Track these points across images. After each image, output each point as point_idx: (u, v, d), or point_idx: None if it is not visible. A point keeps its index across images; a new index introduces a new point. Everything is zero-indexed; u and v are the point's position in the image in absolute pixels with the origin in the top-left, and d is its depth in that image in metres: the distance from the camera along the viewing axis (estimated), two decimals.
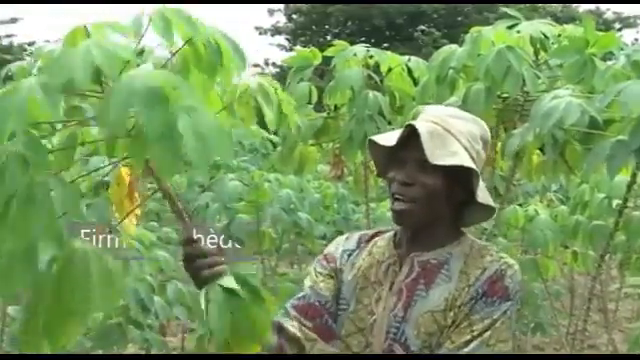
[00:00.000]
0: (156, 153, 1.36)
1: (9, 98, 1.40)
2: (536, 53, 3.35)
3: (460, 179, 1.94)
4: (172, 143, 1.34)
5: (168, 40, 1.53)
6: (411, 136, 1.93)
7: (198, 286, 1.69)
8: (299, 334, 1.98)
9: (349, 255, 2.12)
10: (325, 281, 2.08)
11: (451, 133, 1.95)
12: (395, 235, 2.09)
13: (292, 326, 1.99)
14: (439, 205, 1.96)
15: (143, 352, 4.83)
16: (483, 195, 1.96)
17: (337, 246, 2.16)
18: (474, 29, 3.36)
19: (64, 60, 1.42)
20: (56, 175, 1.46)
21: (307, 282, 2.12)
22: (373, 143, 2.02)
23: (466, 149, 1.95)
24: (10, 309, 4.30)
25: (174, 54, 1.62)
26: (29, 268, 1.41)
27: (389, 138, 1.99)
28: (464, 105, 3.16)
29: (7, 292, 1.54)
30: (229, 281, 1.65)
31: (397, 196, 1.96)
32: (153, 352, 4.80)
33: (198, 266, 1.69)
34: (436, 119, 1.98)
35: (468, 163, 1.92)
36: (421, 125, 1.94)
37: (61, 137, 1.72)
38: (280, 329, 1.96)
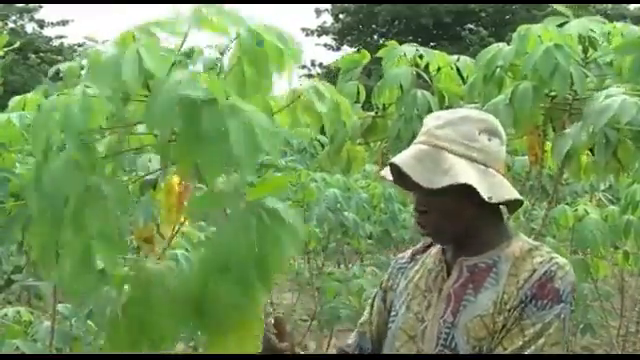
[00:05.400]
0: (205, 155, 1.35)
1: (61, 105, 1.42)
2: (585, 51, 3.30)
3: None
4: (221, 144, 1.34)
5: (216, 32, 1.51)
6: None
7: None
8: None
9: (403, 271, 2.12)
10: (377, 316, 2.16)
11: (441, 147, 1.87)
12: None
13: None
14: (465, 216, 1.91)
15: (190, 350, 4.87)
16: (496, 193, 1.85)
17: (391, 267, 2.18)
18: (522, 27, 3.31)
19: (113, 66, 1.42)
20: (109, 178, 1.48)
21: (364, 315, 2.22)
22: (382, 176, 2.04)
23: (462, 157, 1.86)
24: (60, 307, 4.35)
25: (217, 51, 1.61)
26: (87, 269, 1.43)
27: (389, 171, 1.97)
28: (511, 104, 3.13)
29: (74, 294, 1.56)
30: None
31: (420, 223, 1.95)
32: (200, 351, 4.83)
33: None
34: (425, 136, 1.92)
35: (461, 178, 1.81)
36: (406, 153, 1.89)
37: (109, 142, 1.73)
38: None
